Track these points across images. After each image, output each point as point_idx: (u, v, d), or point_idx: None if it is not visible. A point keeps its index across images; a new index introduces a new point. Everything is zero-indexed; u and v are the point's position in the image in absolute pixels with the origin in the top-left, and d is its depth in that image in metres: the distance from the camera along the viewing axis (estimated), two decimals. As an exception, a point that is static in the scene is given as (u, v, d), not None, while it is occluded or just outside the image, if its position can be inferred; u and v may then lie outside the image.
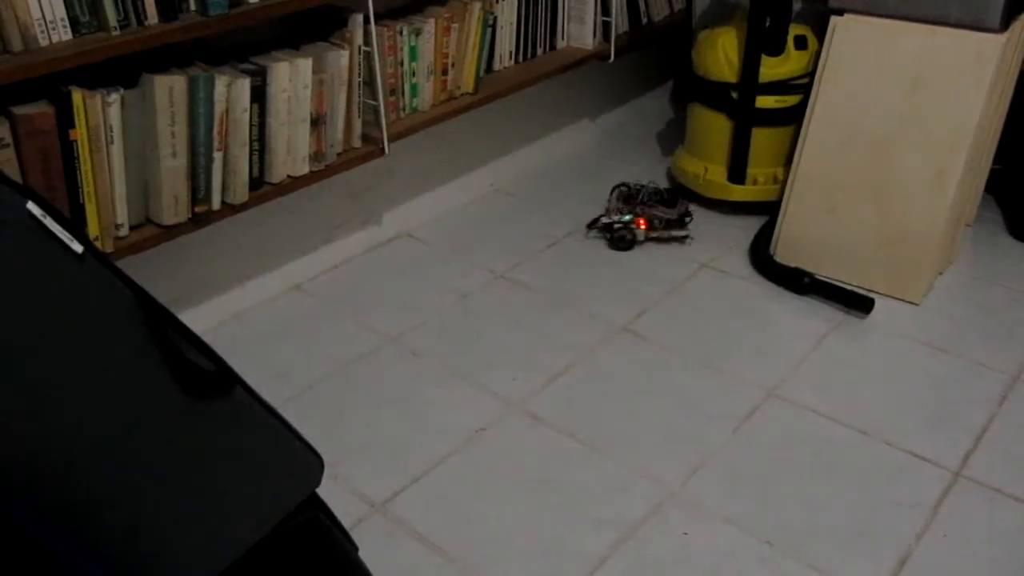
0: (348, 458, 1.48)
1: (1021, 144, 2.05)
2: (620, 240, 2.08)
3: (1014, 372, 1.67)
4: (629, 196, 2.16)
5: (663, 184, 2.29)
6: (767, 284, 1.94)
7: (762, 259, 1.98)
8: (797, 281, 1.89)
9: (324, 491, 1.05)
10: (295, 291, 1.94)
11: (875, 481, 1.43)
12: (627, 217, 2.09)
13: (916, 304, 1.86)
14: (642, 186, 2.18)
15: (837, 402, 1.60)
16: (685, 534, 1.34)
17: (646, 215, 2.09)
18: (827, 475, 1.44)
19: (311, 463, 0.93)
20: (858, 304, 1.82)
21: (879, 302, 1.84)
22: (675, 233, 2.09)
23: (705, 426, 1.55)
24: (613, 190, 2.19)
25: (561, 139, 2.56)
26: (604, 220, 2.11)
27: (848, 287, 1.87)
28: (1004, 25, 1.72)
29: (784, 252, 2.00)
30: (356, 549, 1.06)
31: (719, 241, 2.11)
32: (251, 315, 1.87)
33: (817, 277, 1.89)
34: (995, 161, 2.10)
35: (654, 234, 2.10)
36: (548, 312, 1.86)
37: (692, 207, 2.18)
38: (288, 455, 0.91)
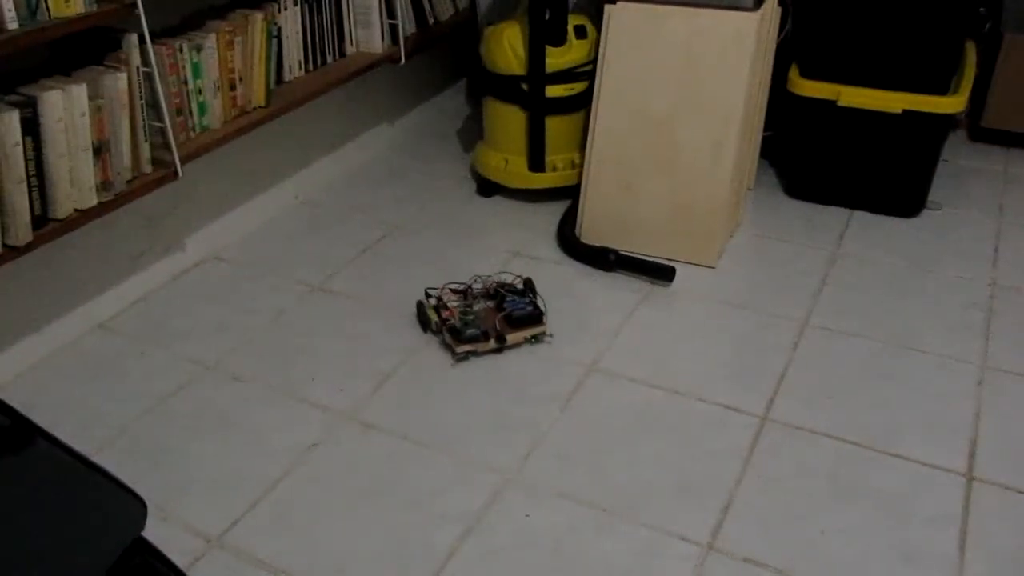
0: (177, 496, 1.43)
1: (785, 111, 2.23)
2: (420, 314, 1.81)
3: (802, 318, 1.82)
4: (465, 293, 1.84)
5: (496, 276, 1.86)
6: (577, 265, 2.02)
7: (569, 242, 2.06)
8: (603, 259, 1.98)
9: (154, 534, 1.01)
10: (100, 330, 1.84)
11: (693, 436, 1.53)
12: (448, 301, 1.80)
13: (712, 268, 2.00)
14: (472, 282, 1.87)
15: (652, 367, 1.69)
16: (527, 516, 1.38)
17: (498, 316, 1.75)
18: (650, 437, 1.53)
19: (131, 507, 0.89)
20: (661, 274, 1.93)
21: (679, 269, 1.96)
22: (449, 342, 1.73)
23: (533, 409, 1.60)
24: (429, 299, 1.82)
25: (362, 145, 2.55)
26: (436, 290, 1.84)
27: (651, 259, 1.98)
28: (757, 4, 1.87)
29: (589, 233, 2.08)
30: (195, 587, 1.02)
31: (527, 229, 2.17)
32: (55, 360, 1.75)
33: (621, 253, 1.98)
34: (766, 128, 2.28)
35: (442, 329, 1.75)
36: (367, 318, 1.86)
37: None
38: (103, 504, 0.87)
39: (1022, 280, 1.93)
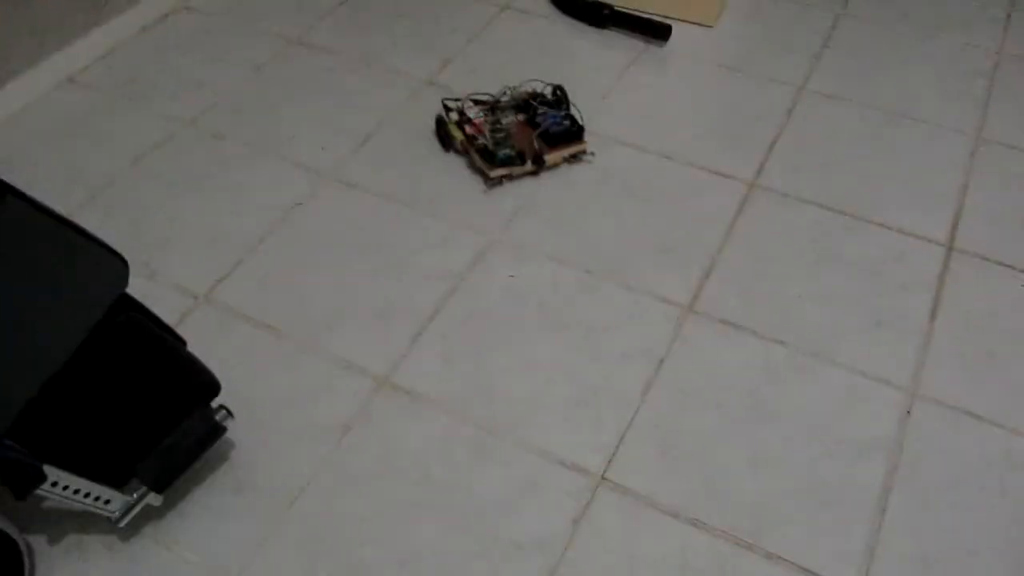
0: (161, 254, 1.43)
1: None
2: (439, 131, 1.61)
3: (800, 83, 1.76)
4: (495, 107, 1.61)
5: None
6: (569, 21, 1.92)
7: (561, -5, 1.95)
8: (597, 14, 1.88)
9: (141, 292, 1.02)
10: (69, 84, 1.76)
11: (680, 201, 1.52)
12: (473, 114, 1.58)
13: (710, 27, 1.90)
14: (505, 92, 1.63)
15: (642, 130, 1.65)
16: (511, 276, 1.40)
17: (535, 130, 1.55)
18: (636, 201, 1.52)
19: (113, 265, 0.89)
20: (656, 32, 1.84)
21: (676, 28, 1.86)
22: (484, 167, 1.52)
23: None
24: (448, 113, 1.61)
25: None
26: (458, 100, 1.62)
27: (646, 15, 1.88)
28: None
29: (582, -14, 1.96)
30: (184, 343, 1.04)
31: (517, -20, 2.04)
32: (23, 118, 1.69)
33: (616, 8, 1.88)
34: None
35: (469, 151, 1.56)
36: (348, 73, 1.78)
37: None
38: (84, 261, 0.86)
39: (1030, 45, 1.86)
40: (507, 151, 1.51)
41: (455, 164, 1.58)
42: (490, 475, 1.15)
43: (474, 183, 1.55)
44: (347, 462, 1.17)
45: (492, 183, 1.53)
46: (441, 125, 1.60)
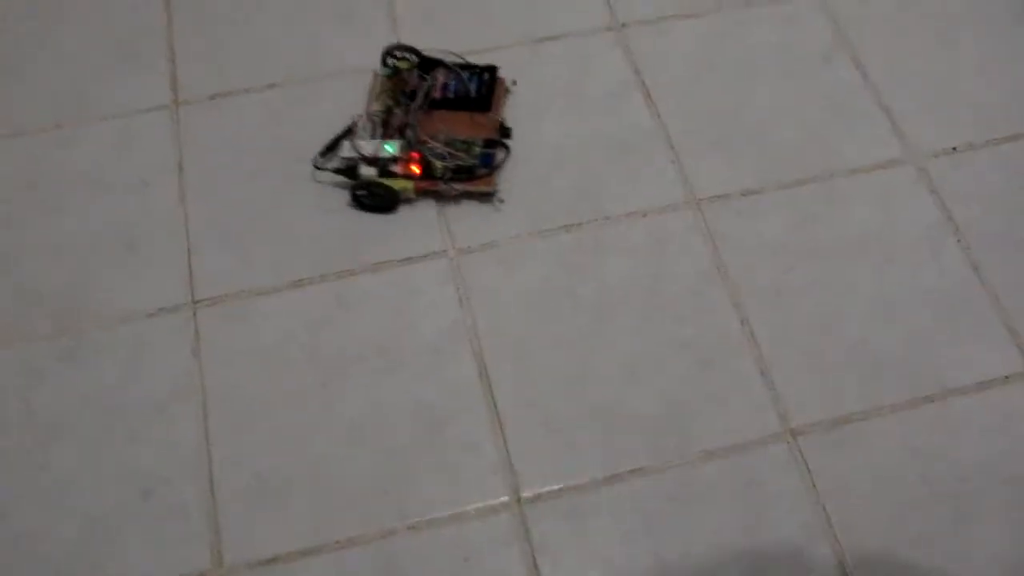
0: None
1: None
2: (375, 199, 0.94)
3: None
4: (399, 97, 1.00)
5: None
6: None
7: None
8: None
9: None
10: None
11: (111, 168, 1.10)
12: (390, 148, 0.94)
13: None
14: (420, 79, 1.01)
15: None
16: None
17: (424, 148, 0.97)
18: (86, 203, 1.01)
19: None
20: None
21: None
22: (479, 187, 0.99)
23: None
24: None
25: None
26: (345, 154, 0.93)
27: None
28: None
29: None
30: None
31: None
32: None
33: None
34: None
35: (439, 187, 0.97)
36: None
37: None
38: None
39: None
40: (477, 148, 1.04)
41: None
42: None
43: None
44: None
45: (500, 195, 1.04)
46: (369, 188, 1.01)
